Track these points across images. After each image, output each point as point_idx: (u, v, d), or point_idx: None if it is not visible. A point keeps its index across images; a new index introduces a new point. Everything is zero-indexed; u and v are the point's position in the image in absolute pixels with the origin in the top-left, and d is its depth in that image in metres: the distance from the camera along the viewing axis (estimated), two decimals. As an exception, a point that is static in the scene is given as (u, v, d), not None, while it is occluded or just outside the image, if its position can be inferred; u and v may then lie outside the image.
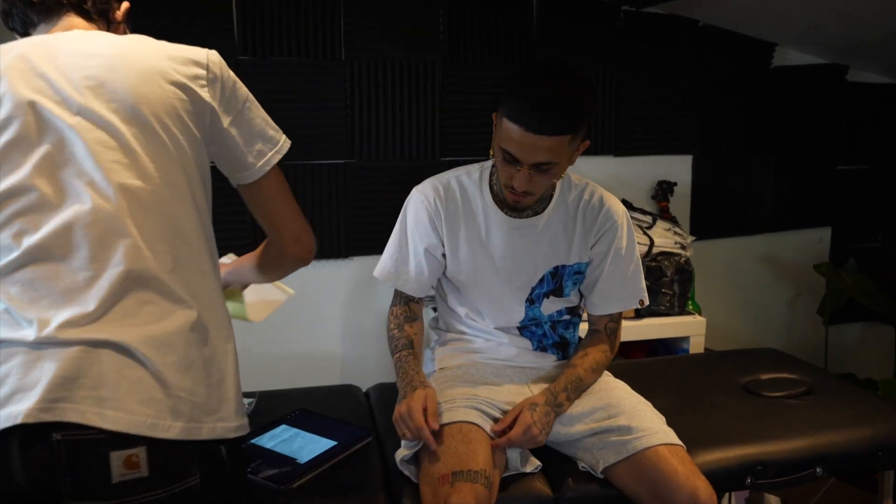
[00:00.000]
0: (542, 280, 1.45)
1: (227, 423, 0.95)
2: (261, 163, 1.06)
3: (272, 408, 1.59)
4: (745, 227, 2.59)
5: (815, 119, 2.58)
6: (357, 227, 2.22)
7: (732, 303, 2.64)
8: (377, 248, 2.27)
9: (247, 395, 1.65)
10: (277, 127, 1.10)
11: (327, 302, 2.23)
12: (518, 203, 1.35)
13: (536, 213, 1.42)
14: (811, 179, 2.62)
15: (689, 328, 2.16)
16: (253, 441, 1.42)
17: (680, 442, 1.31)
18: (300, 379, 1.92)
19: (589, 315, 1.53)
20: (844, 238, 2.71)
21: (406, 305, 1.49)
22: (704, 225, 2.51)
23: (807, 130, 2.58)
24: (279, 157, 1.09)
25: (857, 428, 1.50)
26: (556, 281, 1.46)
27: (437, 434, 1.26)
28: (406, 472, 1.31)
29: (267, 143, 1.07)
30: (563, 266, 1.45)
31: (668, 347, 2.26)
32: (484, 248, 1.44)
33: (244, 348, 2.21)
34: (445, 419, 1.28)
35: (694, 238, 2.26)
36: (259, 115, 1.07)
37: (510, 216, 1.42)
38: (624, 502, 1.34)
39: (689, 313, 2.22)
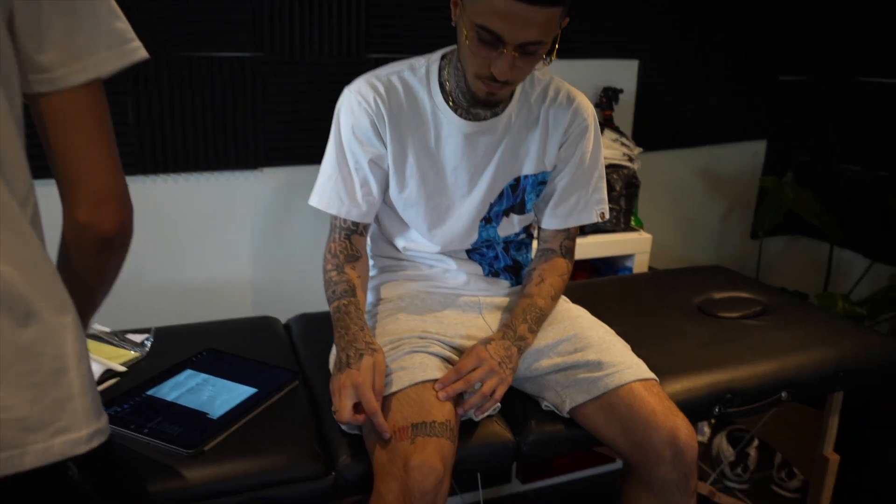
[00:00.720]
0: (501, 195, 1.24)
1: (71, 434, 0.65)
2: (75, 67, 0.67)
3: (173, 348, 1.32)
4: (687, 138, 2.47)
5: (763, 23, 2.44)
6: (268, 134, 1.90)
7: (667, 217, 2.55)
8: (292, 158, 1.98)
9: (141, 331, 1.37)
10: (130, 28, 0.72)
11: (234, 221, 1.93)
12: (492, 97, 1.11)
13: (496, 115, 1.19)
14: (754, 89, 2.50)
15: (634, 245, 2.04)
16: (150, 392, 1.16)
17: (653, 376, 1.17)
18: (205, 312, 1.65)
19: (541, 232, 1.34)
20: (779, 152, 2.65)
21: (347, 240, 1.22)
22: (647, 136, 2.35)
23: (755, 35, 2.44)
24: (116, 66, 0.70)
25: (820, 349, 1.43)
26: (517, 195, 1.25)
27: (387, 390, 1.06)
28: (344, 427, 1.10)
29: (97, 39, 0.68)
30: (526, 177, 1.24)
31: (611, 266, 2.14)
32: (433, 160, 1.20)
33: (133, 276, 1.91)
34: (400, 383, 1.06)
35: (641, 150, 2.11)
36: (101, 2, 0.70)
37: (466, 119, 1.18)
38: (592, 443, 1.20)
39: (634, 230, 2.09)
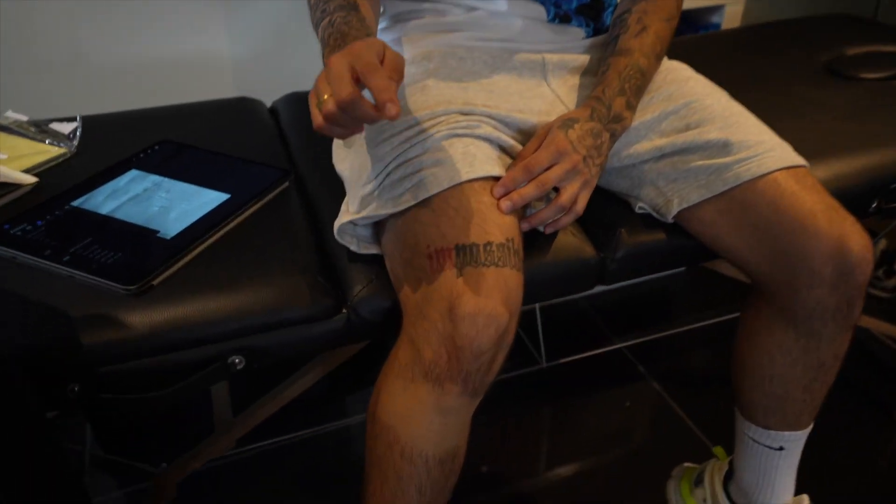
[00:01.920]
0: None
1: None
2: None
3: (114, 142, 0.96)
4: None
5: None
6: None
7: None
8: None
9: (67, 119, 1.00)
10: None
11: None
12: None
13: None
14: None
15: (724, -8, 1.55)
16: (76, 203, 0.81)
17: (804, 161, 0.80)
18: (164, 96, 1.26)
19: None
20: None
21: None
22: None
23: None
24: None
25: None
26: None
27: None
28: (352, 246, 0.76)
29: None
30: None
31: (690, 25, 1.66)
32: None
33: (67, 55, 1.48)
34: (437, 184, 0.69)
35: None
36: None
37: None
38: (703, 257, 0.86)
39: (724, -29, 1.58)
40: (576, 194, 0.74)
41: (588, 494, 1.14)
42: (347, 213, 0.76)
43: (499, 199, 0.69)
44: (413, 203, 0.69)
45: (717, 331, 1.51)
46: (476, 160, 0.71)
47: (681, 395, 1.33)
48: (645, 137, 0.82)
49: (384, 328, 0.76)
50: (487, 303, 0.61)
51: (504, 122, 0.79)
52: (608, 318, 1.51)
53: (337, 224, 0.74)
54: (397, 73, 0.58)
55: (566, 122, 0.75)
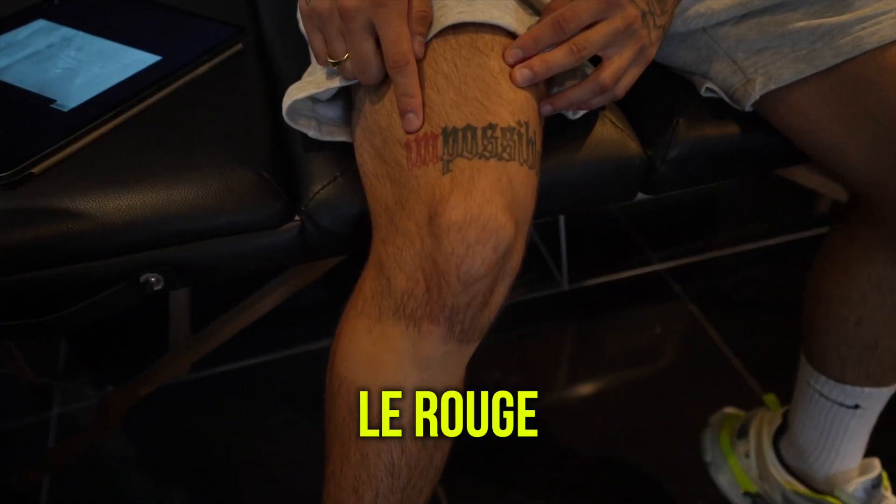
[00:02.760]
0: None
1: None
2: None
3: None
4: None
5: None
6: None
7: None
8: None
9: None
10: None
11: None
12: None
13: None
14: None
15: None
16: (-47, 62, 0.62)
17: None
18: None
19: None
20: None
21: None
22: None
23: None
24: None
25: None
26: None
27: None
28: (310, 131, 0.56)
29: None
30: None
31: None
32: None
33: None
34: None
35: None
36: None
37: None
38: (783, 159, 0.65)
39: None
40: (623, 69, 0.51)
41: (608, 431, 0.99)
42: (305, 84, 0.55)
43: (513, 65, 0.48)
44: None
45: (781, 252, 1.28)
46: (479, 2, 0.49)
47: (724, 326, 1.14)
48: (722, -14, 0.59)
49: (353, 243, 0.57)
50: (484, 208, 0.42)
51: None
52: (646, 231, 1.30)
53: (287, 101, 0.53)
54: (424, 26, 0.48)
55: None
